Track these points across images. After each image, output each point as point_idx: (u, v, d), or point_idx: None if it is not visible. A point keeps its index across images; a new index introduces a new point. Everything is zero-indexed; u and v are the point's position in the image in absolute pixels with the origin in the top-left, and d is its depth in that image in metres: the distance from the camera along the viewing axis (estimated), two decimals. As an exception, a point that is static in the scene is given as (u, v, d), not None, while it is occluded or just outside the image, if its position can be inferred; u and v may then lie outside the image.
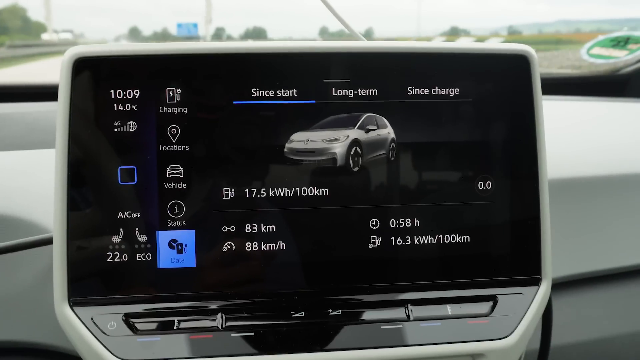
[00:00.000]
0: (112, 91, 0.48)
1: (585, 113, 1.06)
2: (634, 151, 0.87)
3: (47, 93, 0.91)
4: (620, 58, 1.29)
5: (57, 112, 0.47)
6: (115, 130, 0.48)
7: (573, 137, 0.89)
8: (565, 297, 0.75)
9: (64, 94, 0.47)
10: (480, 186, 0.51)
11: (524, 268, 0.52)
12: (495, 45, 0.52)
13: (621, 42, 1.27)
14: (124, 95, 0.48)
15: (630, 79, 1.28)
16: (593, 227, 0.78)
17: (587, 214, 0.77)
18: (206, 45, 0.49)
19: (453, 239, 0.51)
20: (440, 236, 0.51)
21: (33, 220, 0.62)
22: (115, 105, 0.48)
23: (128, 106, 0.48)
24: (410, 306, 0.50)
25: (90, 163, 0.48)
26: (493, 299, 0.51)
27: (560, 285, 0.76)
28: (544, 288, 0.52)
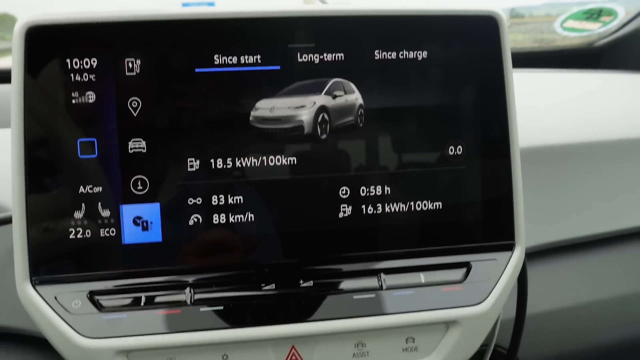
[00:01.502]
0: (69, 61, 0.46)
1: (558, 84, 1.05)
2: (609, 120, 0.87)
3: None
4: (594, 30, 1.29)
5: (11, 87, 0.45)
6: (73, 101, 0.46)
7: (547, 108, 0.89)
8: (540, 266, 0.75)
9: (17, 65, 0.45)
10: (451, 151, 0.50)
11: (497, 234, 0.51)
12: (463, 6, 0.51)
13: (594, 15, 1.27)
14: (80, 64, 0.46)
15: (604, 51, 1.28)
16: (567, 195, 0.77)
17: (560, 182, 0.77)
18: (165, 11, 0.47)
19: (425, 206, 0.50)
20: (412, 203, 0.50)
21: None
22: (72, 75, 0.46)
23: (86, 76, 0.46)
24: (382, 275, 0.49)
25: (48, 136, 0.46)
26: (467, 265, 0.50)
27: (535, 254, 0.75)
28: (518, 253, 0.51)
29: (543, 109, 0.87)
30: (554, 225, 0.76)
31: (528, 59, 1.25)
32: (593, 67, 1.26)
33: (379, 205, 0.50)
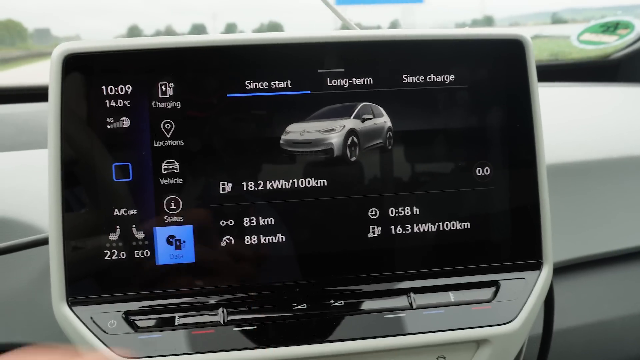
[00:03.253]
0: (104, 87, 0.47)
1: (576, 98, 1.06)
2: (628, 134, 0.87)
3: (37, 94, 0.91)
4: (610, 43, 1.29)
5: (48, 111, 0.46)
6: (108, 126, 0.47)
7: (566, 123, 0.89)
8: (565, 281, 0.75)
9: (54, 91, 0.46)
10: (479, 172, 0.51)
11: (525, 253, 0.52)
12: (489, 30, 0.52)
13: (611, 28, 1.28)
14: (115, 91, 0.47)
15: (621, 64, 1.28)
16: (590, 210, 0.78)
17: (584, 197, 0.77)
18: (198, 38, 0.48)
19: (453, 226, 0.51)
20: (440, 223, 0.51)
21: (27, 221, 0.61)
22: (107, 101, 0.47)
23: (120, 102, 0.47)
24: (412, 294, 0.50)
25: (83, 161, 0.47)
26: (495, 284, 0.51)
27: (560, 270, 0.76)
28: (546, 272, 0.52)
29: (561, 124, 0.88)
30: (578, 241, 0.76)
31: (545, 72, 1.25)
32: (610, 80, 1.27)
33: (408, 225, 0.50)
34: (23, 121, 0.81)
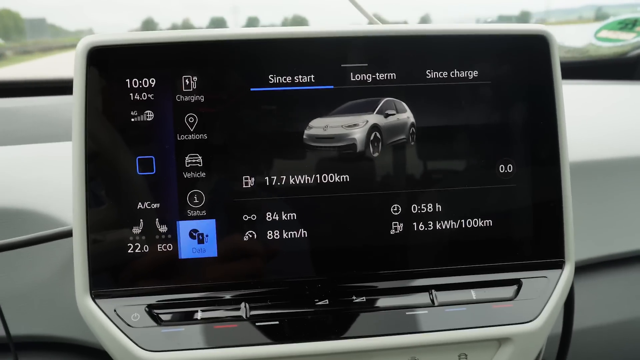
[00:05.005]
0: (128, 80, 0.47)
1: (594, 96, 1.05)
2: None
3: (57, 87, 0.91)
4: (628, 41, 1.28)
5: (72, 104, 0.47)
6: (132, 120, 0.47)
7: (585, 121, 0.89)
8: (585, 281, 0.75)
9: (79, 84, 0.46)
10: (501, 169, 0.51)
11: (547, 251, 0.51)
12: (513, 26, 0.51)
13: (629, 25, 1.26)
14: (139, 84, 0.47)
15: (639, 61, 1.27)
16: (610, 209, 0.77)
17: (604, 196, 0.77)
18: (222, 31, 0.48)
19: (475, 223, 0.51)
20: (462, 220, 0.51)
21: (49, 214, 0.62)
22: (131, 94, 0.47)
23: (144, 95, 0.47)
24: (434, 291, 0.49)
25: (107, 154, 0.47)
26: (517, 282, 0.50)
27: (579, 269, 0.75)
28: (568, 271, 0.51)
29: (579, 122, 0.87)
30: (598, 240, 0.76)
31: (562, 69, 1.24)
32: (627, 78, 1.26)
33: (430, 222, 0.50)
34: (43, 114, 0.82)
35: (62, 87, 0.87)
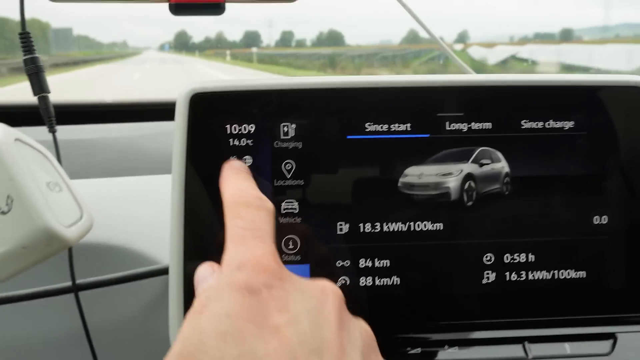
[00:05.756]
0: (228, 126, 0.48)
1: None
2: None
3: (131, 111, 0.93)
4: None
5: (173, 148, 0.48)
6: None
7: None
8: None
9: (180, 129, 0.48)
10: (596, 221, 0.50)
11: (642, 304, 0.51)
12: (607, 77, 0.51)
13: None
14: (239, 130, 0.48)
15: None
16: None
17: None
18: (320, 79, 0.49)
19: (569, 275, 0.50)
20: (556, 271, 0.50)
21: (137, 250, 0.63)
22: (231, 140, 0.48)
23: (244, 141, 0.48)
24: (527, 343, 0.49)
25: (206, 198, 0.48)
26: (612, 337, 0.50)
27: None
28: None
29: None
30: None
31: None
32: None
33: (523, 272, 0.50)
34: (123, 145, 0.84)
35: (134, 112, 0.89)
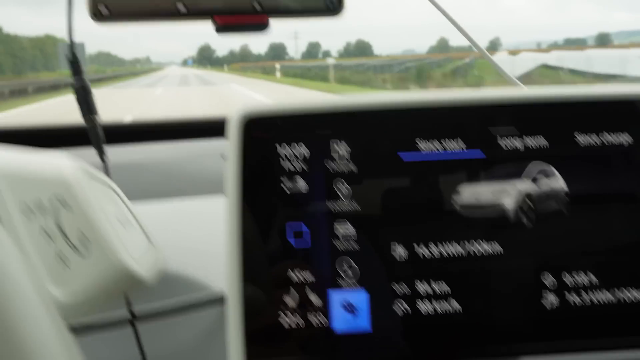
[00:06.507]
0: (282, 149, 0.47)
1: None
2: None
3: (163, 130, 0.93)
4: None
5: (227, 173, 0.47)
6: (285, 188, 0.47)
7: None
8: None
9: (234, 153, 0.47)
10: None
11: None
12: None
13: None
14: (293, 152, 0.48)
15: None
16: None
17: None
18: (370, 99, 0.49)
19: (632, 295, 0.49)
20: (619, 292, 0.49)
21: (189, 277, 0.61)
22: (284, 163, 0.47)
23: (297, 163, 0.48)
24: (593, 366, 0.47)
25: (261, 223, 0.47)
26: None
27: None
28: None
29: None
30: None
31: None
32: None
33: (584, 293, 0.49)
34: (167, 168, 0.83)
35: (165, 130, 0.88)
